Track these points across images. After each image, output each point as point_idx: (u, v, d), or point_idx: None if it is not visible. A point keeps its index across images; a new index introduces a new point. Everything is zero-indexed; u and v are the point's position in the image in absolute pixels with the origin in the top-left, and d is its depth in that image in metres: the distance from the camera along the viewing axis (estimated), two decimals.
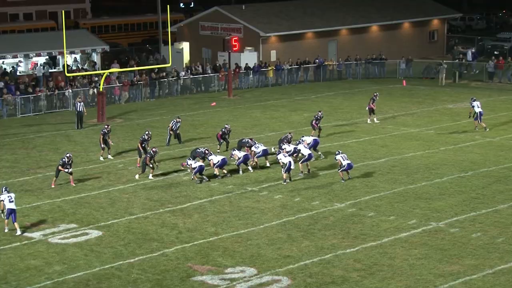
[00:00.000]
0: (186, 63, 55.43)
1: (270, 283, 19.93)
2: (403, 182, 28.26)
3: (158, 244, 22.62)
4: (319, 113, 35.34)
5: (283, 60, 53.33)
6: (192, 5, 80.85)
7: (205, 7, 64.62)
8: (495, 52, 58.85)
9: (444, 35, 65.68)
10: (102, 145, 32.11)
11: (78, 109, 38.61)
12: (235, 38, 50.65)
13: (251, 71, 51.66)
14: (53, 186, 28.35)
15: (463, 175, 28.94)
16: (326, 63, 54.58)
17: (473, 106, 36.36)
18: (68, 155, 28.56)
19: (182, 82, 48.93)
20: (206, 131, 37.11)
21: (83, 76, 46.30)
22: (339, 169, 28.68)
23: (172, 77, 48.50)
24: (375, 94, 39.26)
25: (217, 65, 52.00)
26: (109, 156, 32.44)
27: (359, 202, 26.05)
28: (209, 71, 50.99)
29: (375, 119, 38.63)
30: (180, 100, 46.67)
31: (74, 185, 28.45)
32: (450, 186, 27.63)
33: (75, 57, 51.37)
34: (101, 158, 32.20)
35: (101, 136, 32.18)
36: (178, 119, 34.94)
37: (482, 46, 64.48)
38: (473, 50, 57.81)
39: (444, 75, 51.38)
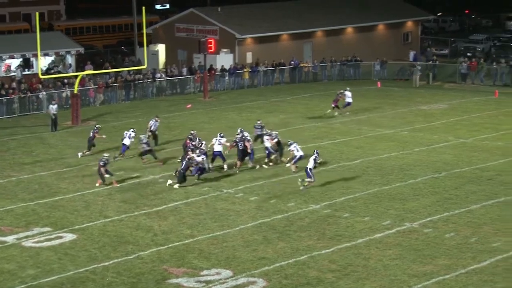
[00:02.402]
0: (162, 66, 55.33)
1: (246, 285, 19.91)
2: (377, 183, 28.38)
3: (133, 247, 22.51)
4: (258, 122, 33.79)
5: (259, 62, 53.37)
6: (167, 7, 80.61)
7: (181, 9, 64.49)
8: (468, 54, 59.36)
9: (418, 37, 66.09)
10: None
11: (52, 112, 38.36)
12: (211, 40, 50.58)
13: (226, 73, 51.66)
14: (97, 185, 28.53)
15: (436, 176, 29.13)
16: (302, 64, 54.71)
17: (345, 95, 40.70)
18: (106, 155, 28.84)
19: (157, 84, 48.79)
20: (182, 133, 36.94)
21: (58, 78, 45.98)
22: (292, 162, 29.43)
23: (148, 79, 48.35)
24: (340, 92, 41.13)
25: (193, 67, 51.93)
26: (79, 154, 32.73)
27: (334, 203, 26.12)
28: (185, 73, 50.90)
29: (336, 112, 40.83)
30: (156, 102, 46.52)
31: (118, 185, 28.49)
32: (424, 187, 27.79)
33: (50, 59, 51.01)
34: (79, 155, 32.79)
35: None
36: (156, 118, 34.91)
37: (455, 47, 65.02)
38: (415, 52, 58.17)
39: (418, 76, 51.72)
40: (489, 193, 26.85)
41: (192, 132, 32.14)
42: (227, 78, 51.67)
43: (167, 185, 28.26)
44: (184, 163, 28.35)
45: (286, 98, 47.31)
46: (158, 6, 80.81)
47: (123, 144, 32.10)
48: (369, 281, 19.94)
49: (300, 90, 50.52)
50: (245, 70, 52.32)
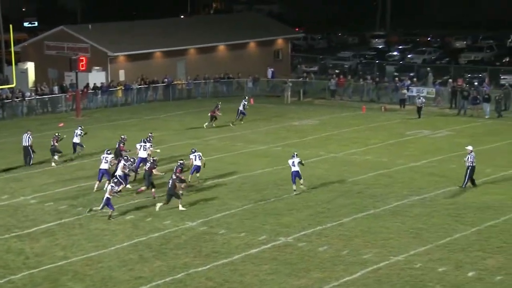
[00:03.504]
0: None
1: None
2: (253, 198, 28.60)
3: (3, 271, 21.64)
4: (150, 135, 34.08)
5: (132, 80, 52.91)
6: (36, 24, 78.62)
7: (50, 27, 62.97)
8: (336, 71, 61.04)
9: (288, 54, 67.43)
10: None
11: None
12: (82, 58, 49.62)
13: (99, 91, 50.89)
14: None
15: (309, 190, 29.67)
16: (175, 82, 54.62)
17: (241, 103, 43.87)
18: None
19: (27, 103, 47.36)
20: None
21: None
22: (191, 172, 30.06)
23: (17, 97, 46.86)
24: (218, 103, 43.59)
25: (64, 85, 50.85)
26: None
27: (210, 220, 26.12)
28: (56, 92, 49.74)
29: (213, 124, 42.45)
30: (26, 121, 45.13)
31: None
32: (298, 202, 28.23)
33: None
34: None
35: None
36: (29, 132, 34.22)
37: (324, 64, 66.70)
38: (273, 69, 59.48)
39: (290, 93, 52.70)
40: (359, 206, 27.59)
41: (122, 136, 32.59)
42: (100, 96, 50.91)
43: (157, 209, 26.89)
44: (171, 181, 26.87)
45: (160, 116, 47.08)
46: (26, 24, 78.68)
47: (73, 142, 35.25)
48: None
49: (174, 107, 50.41)
50: (118, 87, 51.73)
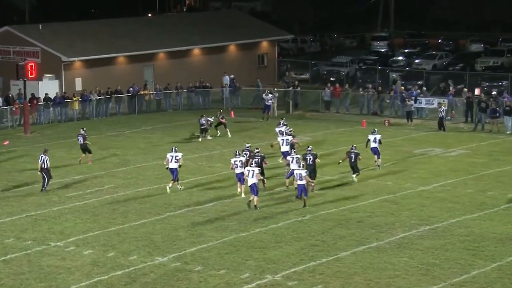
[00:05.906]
0: None
1: None
2: (234, 229, 28.61)
3: None
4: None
5: (91, 89, 52.94)
6: None
7: None
8: (331, 79, 61.26)
9: (275, 59, 67.69)
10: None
11: None
12: (31, 64, 49.57)
13: (52, 103, 50.84)
14: None
15: (300, 219, 29.72)
16: (142, 92, 54.63)
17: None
18: None
19: None
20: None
21: None
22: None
23: None
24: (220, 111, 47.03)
25: (10, 96, 50.77)
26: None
27: (184, 255, 26.11)
28: (0, 104, 49.68)
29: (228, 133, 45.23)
30: None
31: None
32: (286, 233, 28.26)
33: None
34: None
35: None
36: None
37: (317, 71, 66.94)
38: (233, 76, 58.83)
39: (276, 104, 52.82)
40: (359, 237, 27.66)
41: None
42: (52, 108, 50.87)
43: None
44: (353, 156, 33.95)
45: (124, 132, 47.08)
46: None
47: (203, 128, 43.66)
48: None
49: (141, 122, 50.46)
50: (74, 99, 51.71)
